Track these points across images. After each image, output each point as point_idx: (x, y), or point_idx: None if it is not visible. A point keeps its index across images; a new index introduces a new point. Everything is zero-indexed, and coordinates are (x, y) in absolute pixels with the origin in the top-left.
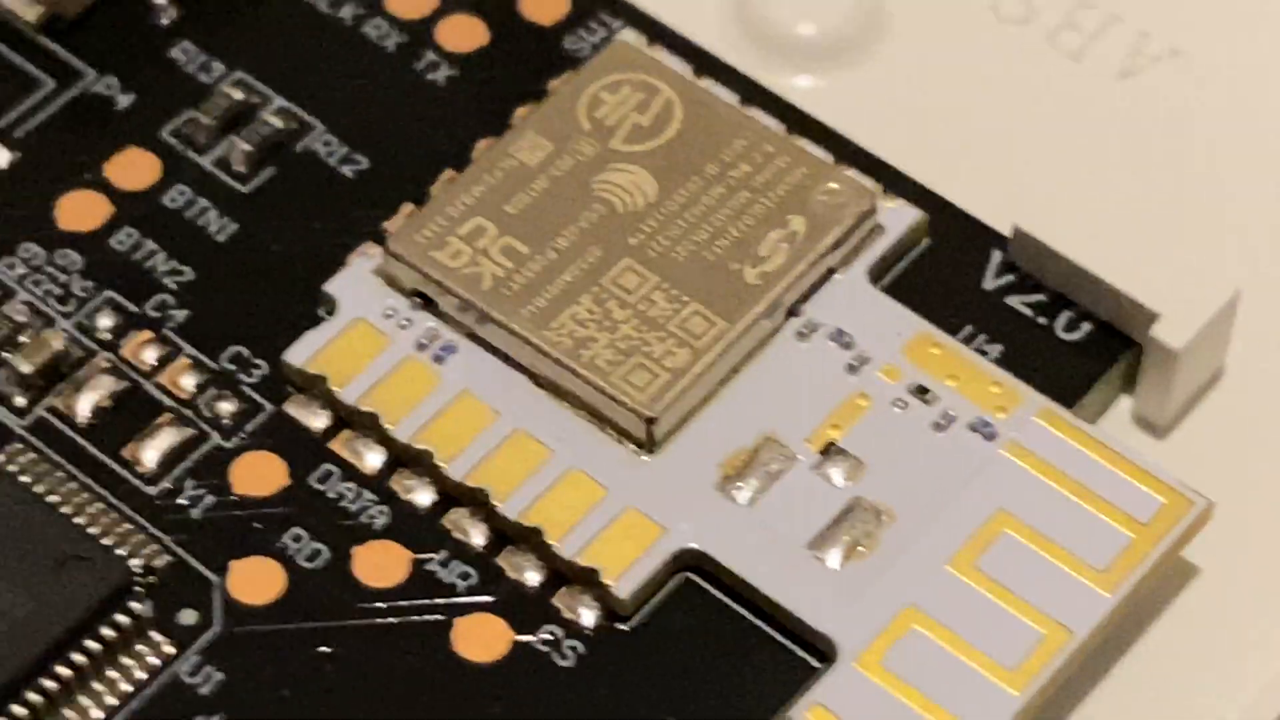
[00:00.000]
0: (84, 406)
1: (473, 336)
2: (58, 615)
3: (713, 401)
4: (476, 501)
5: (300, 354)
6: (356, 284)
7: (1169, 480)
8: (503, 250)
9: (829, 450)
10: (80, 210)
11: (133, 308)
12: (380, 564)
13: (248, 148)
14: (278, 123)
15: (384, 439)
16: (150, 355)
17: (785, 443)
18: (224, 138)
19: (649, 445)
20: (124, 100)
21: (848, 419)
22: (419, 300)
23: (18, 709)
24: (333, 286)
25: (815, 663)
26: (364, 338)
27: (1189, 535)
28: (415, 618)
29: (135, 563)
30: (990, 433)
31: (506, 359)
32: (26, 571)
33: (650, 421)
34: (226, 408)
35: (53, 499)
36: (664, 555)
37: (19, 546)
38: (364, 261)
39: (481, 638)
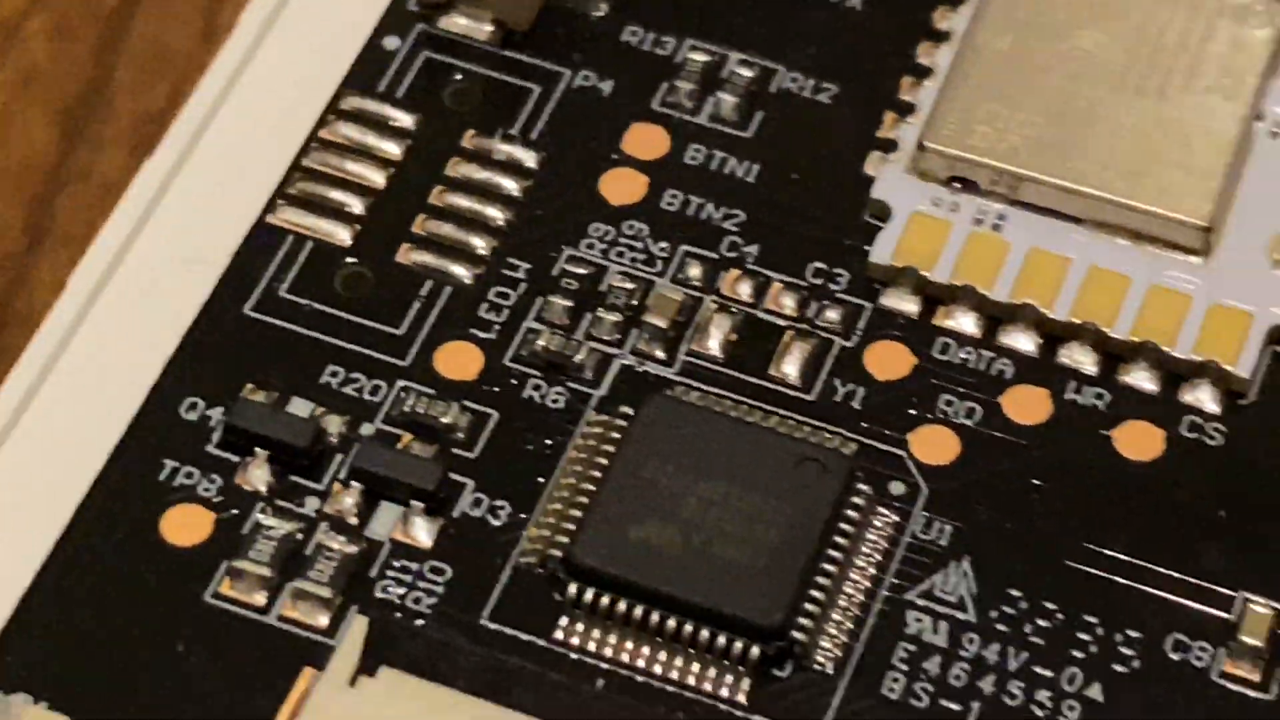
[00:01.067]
0: (714, 344)
1: (1015, 203)
2: (817, 510)
3: (1237, 202)
4: (1082, 335)
5: (883, 253)
6: (897, 185)
7: None
8: (1020, 123)
9: None
10: (622, 185)
11: (711, 254)
12: (1027, 404)
13: (733, 99)
14: (745, 72)
15: (979, 304)
16: (745, 289)
17: None
18: (707, 97)
19: (1206, 250)
20: (606, 87)
21: None
22: (957, 185)
23: (813, 594)
24: (880, 192)
25: None
26: (926, 227)
27: None
28: (1073, 436)
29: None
30: None
31: (1054, 213)
32: (771, 482)
33: (1208, 229)
34: (833, 315)
35: (753, 423)
36: (1261, 333)
37: (755, 465)
38: (891, 167)
39: (1137, 439)
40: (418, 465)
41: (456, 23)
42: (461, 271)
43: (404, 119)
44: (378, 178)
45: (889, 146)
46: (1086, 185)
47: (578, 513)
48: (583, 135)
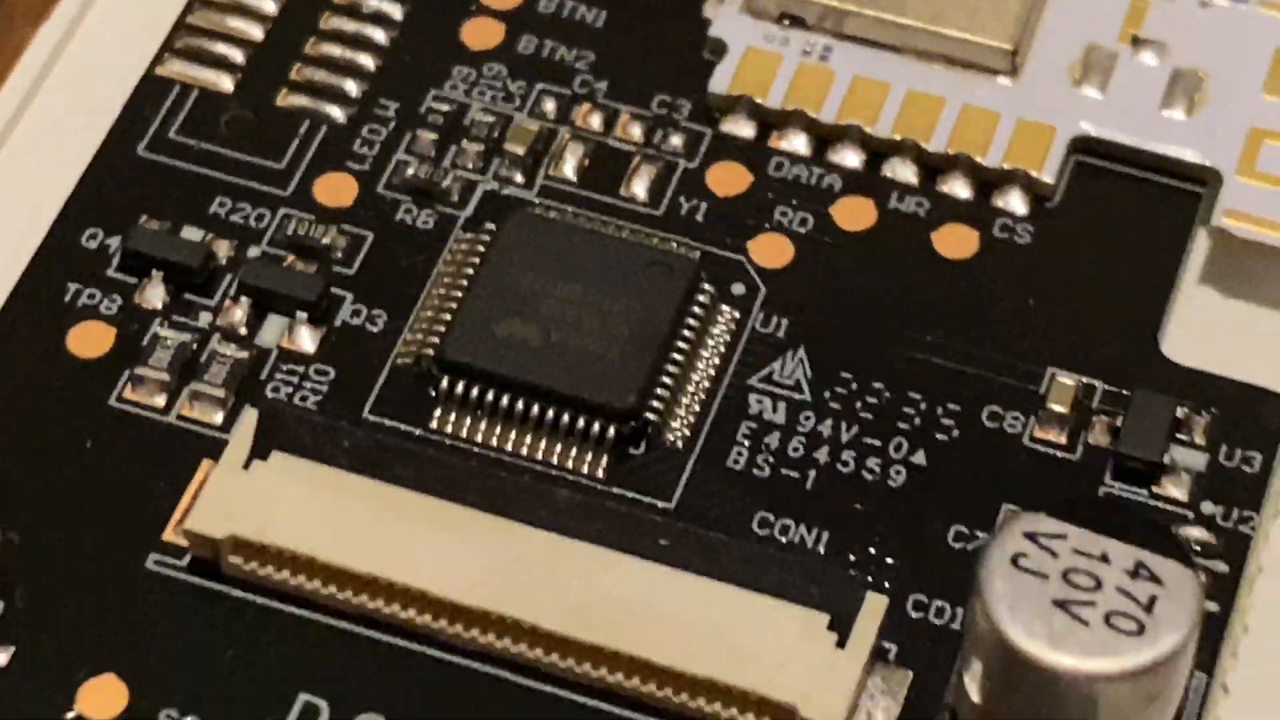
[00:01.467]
0: (570, 169)
1: (839, 36)
2: (664, 306)
3: (1040, 28)
4: (902, 150)
5: (720, 83)
6: (732, 24)
7: None
8: None
9: (1136, 42)
10: (482, 33)
11: (564, 90)
12: (854, 213)
13: None
14: None
15: (809, 126)
16: (596, 120)
17: (1102, 44)
18: None
19: (1012, 71)
20: None
21: (1138, 18)
22: (787, 21)
23: (664, 380)
24: (717, 30)
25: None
26: (760, 60)
27: None
28: (896, 239)
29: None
30: None
31: (875, 43)
32: (623, 284)
33: (1013, 52)
34: (676, 141)
35: (606, 233)
36: (1064, 143)
37: (608, 269)
38: (727, 8)
39: (955, 240)
40: (300, 279)
41: None
42: (336, 111)
43: None
44: (256, 31)
45: None
46: (902, 16)
47: (448, 316)
48: None
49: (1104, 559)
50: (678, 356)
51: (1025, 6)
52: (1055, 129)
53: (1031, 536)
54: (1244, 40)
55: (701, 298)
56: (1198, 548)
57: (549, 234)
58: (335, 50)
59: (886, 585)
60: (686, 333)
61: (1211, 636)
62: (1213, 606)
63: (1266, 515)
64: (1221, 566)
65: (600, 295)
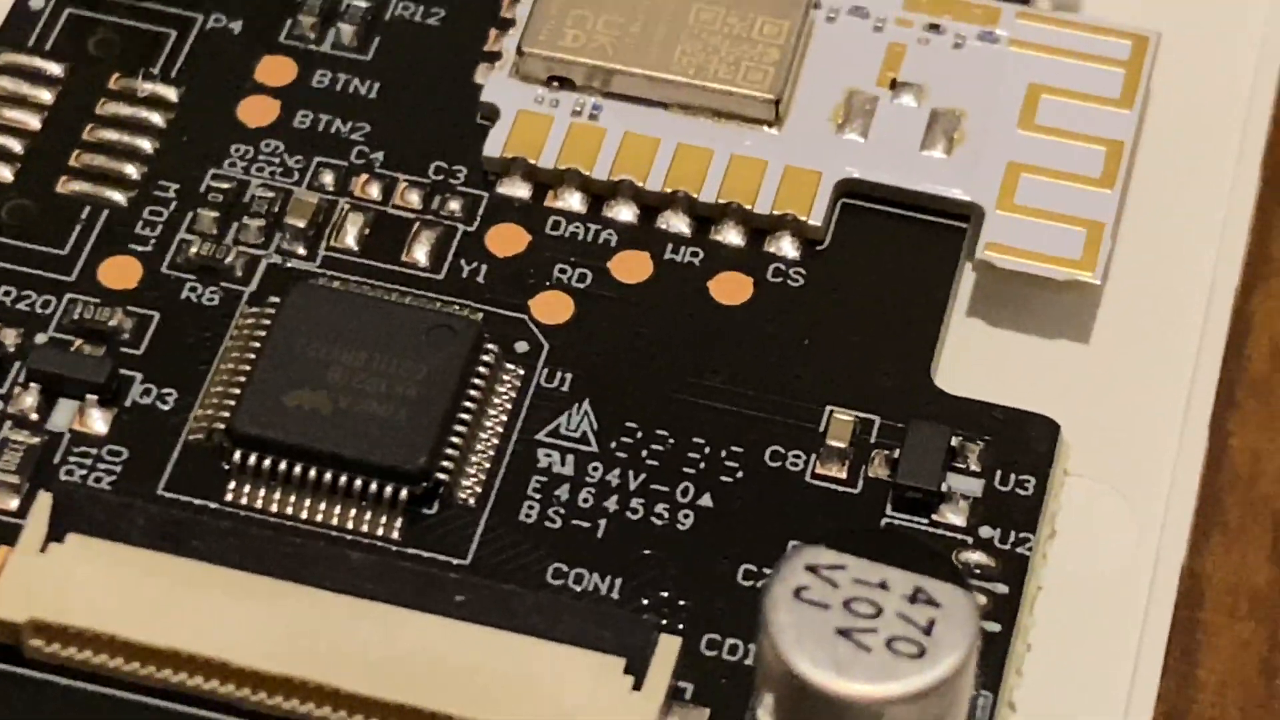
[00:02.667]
0: (351, 238)
1: (607, 95)
2: (449, 368)
3: (801, 78)
4: (675, 203)
5: (494, 147)
6: (503, 88)
7: (1131, 29)
8: (605, 25)
9: (895, 85)
10: (257, 110)
11: (341, 162)
12: (631, 266)
13: (351, 28)
14: (361, 3)
15: (583, 184)
16: (375, 190)
17: (864, 89)
18: (328, 27)
19: (777, 121)
20: (236, 26)
21: (896, 61)
22: (556, 83)
23: (453, 440)
24: (488, 95)
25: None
26: (531, 122)
27: (1154, 62)
28: (673, 289)
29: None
30: (994, 38)
31: (643, 100)
32: (407, 348)
33: (776, 102)
34: (454, 206)
35: (389, 300)
36: (830, 187)
37: (392, 334)
38: (497, 74)
39: (730, 287)
40: (89, 362)
41: None
42: (117, 196)
43: (54, 68)
44: (33, 121)
45: (494, 58)
46: (668, 72)
47: (237, 390)
48: (218, 70)
49: (883, 586)
50: (465, 416)
51: (786, 56)
52: (821, 174)
53: (813, 569)
54: (997, 78)
55: (486, 357)
56: (978, 571)
57: (332, 303)
58: (113, 135)
59: (680, 626)
60: (473, 392)
61: (995, 656)
62: (995, 627)
63: (1042, 537)
64: (1002, 588)
65: (386, 360)
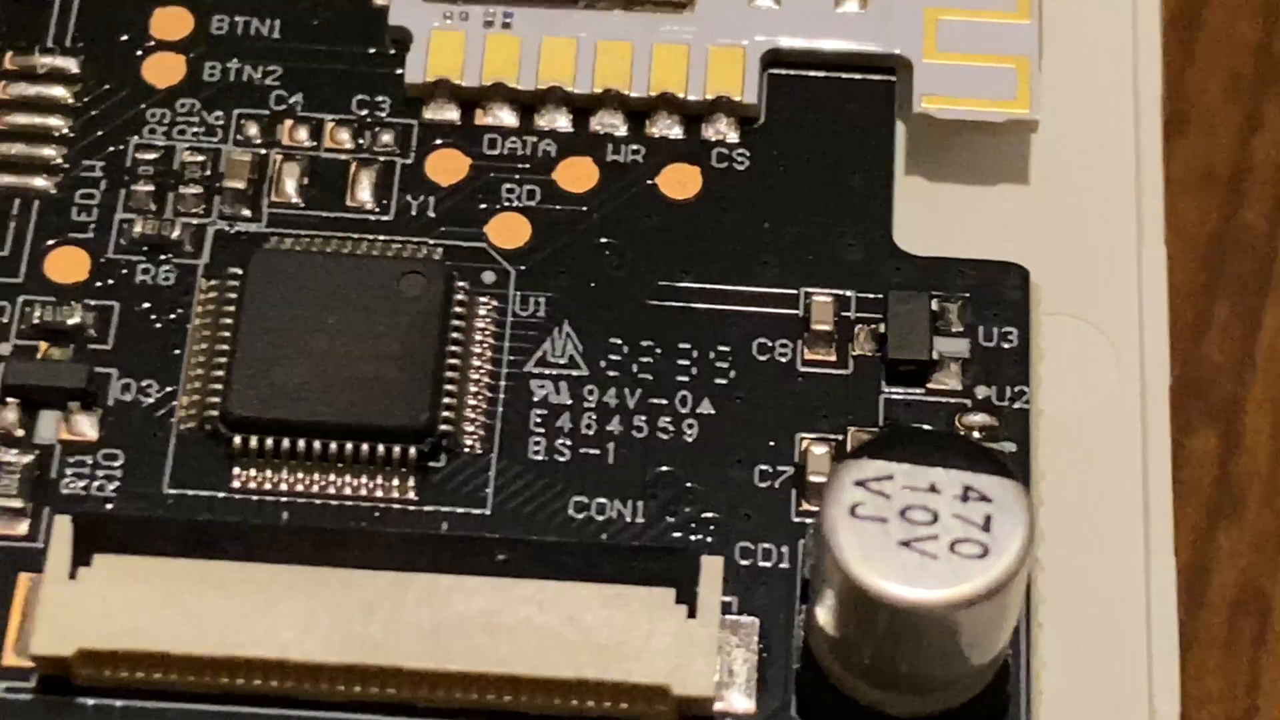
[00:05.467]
0: (291, 190)
1: (514, 1)
2: (428, 314)
3: None
4: (607, 102)
5: (415, 73)
6: (409, 9)
7: None
8: None
9: None
10: (164, 69)
11: (263, 111)
12: (576, 174)
13: None
14: None
15: (511, 97)
16: (303, 134)
17: None
18: None
19: (690, 2)
20: None
21: None
22: None
23: (448, 388)
24: (395, 19)
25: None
26: (446, 41)
27: None
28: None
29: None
30: None
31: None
32: (381, 302)
33: None
34: (387, 139)
35: (350, 253)
36: (756, 62)
37: (363, 290)
38: None
39: (678, 180)
40: (64, 369)
41: None
42: (43, 183)
43: None
44: None
45: None
46: None
47: (220, 373)
48: (112, 30)
49: (933, 489)
50: (453, 361)
51: None
52: (744, 49)
53: (861, 483)
54: None
55: (459, 295)
56: (984, 432)
57: (295, 269)
58: (22, 119)
59: (710, 540)
60: (455, 335)
61: None
62: None
63: (1035, 384)
64: (1010, 446)
65: (363, 319)
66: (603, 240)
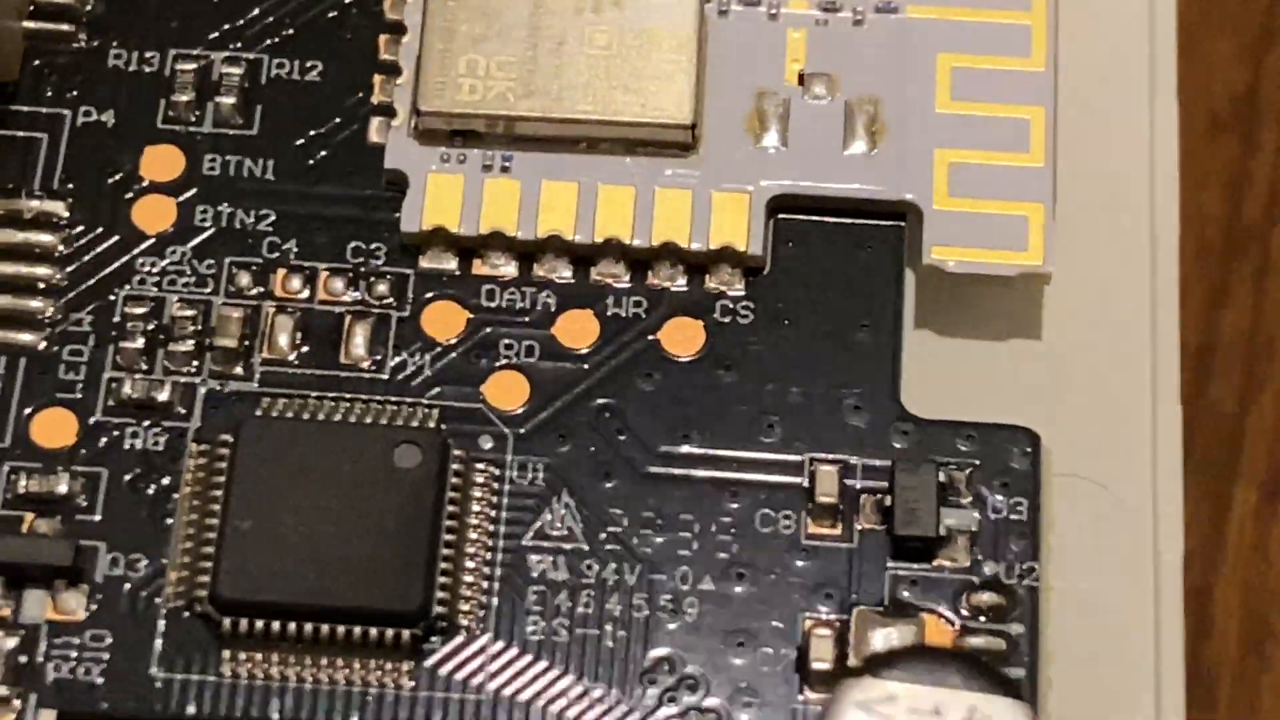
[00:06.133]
0: (284, 344)
1: (515, 141)
2: (423, 487)
3: (707, 86)
4: (609, 251)
5: (411, 220)
6: (406, 151)
7: None
8: (498, 66)
9: (803, 79)
10: (153, 213)
11: (255, 259)
12: (576, 329)
13: (230, 100)
14: (234, 70)
15: (510, 245)
16: (296, 284)
17: (772, 88)
18: (205, 103)
19: (694, 145)
20: (108, 117)
21: (799, 50)
22: (459, 138)
23: (443, 566)
24: (392, 161)
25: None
26: (443, 185)
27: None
28: (623, 347)
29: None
30: (892, 7)
31: (554, 143)
32: (375, 474)
33: (691, 127)
34: (382, 288)
35: (343, 420)
36: (761, 208)
37: (356, 462)
38: (396, 134)
39: (681, 335)
40: (49, 546)
41: None
42: (30, 338)
43: None
44: None
45: (386, 111)
46: (574, 112)
47: (209, 549)
48: (100, 171)
49: (937, 712)
50: (449, 537)
51: (693, 72)
52: (749, 194)
53: (864, 706)
54: (904, 52)
55: (455, 465)
56: (991, 613)
57: (286, 438)
58: (9, 268)
59: None
60: (451, 508)
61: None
62: (1019, 672)
63: (1044, 558)
64: (1018, 628)
65: (357, 493)
66: (602, 401)
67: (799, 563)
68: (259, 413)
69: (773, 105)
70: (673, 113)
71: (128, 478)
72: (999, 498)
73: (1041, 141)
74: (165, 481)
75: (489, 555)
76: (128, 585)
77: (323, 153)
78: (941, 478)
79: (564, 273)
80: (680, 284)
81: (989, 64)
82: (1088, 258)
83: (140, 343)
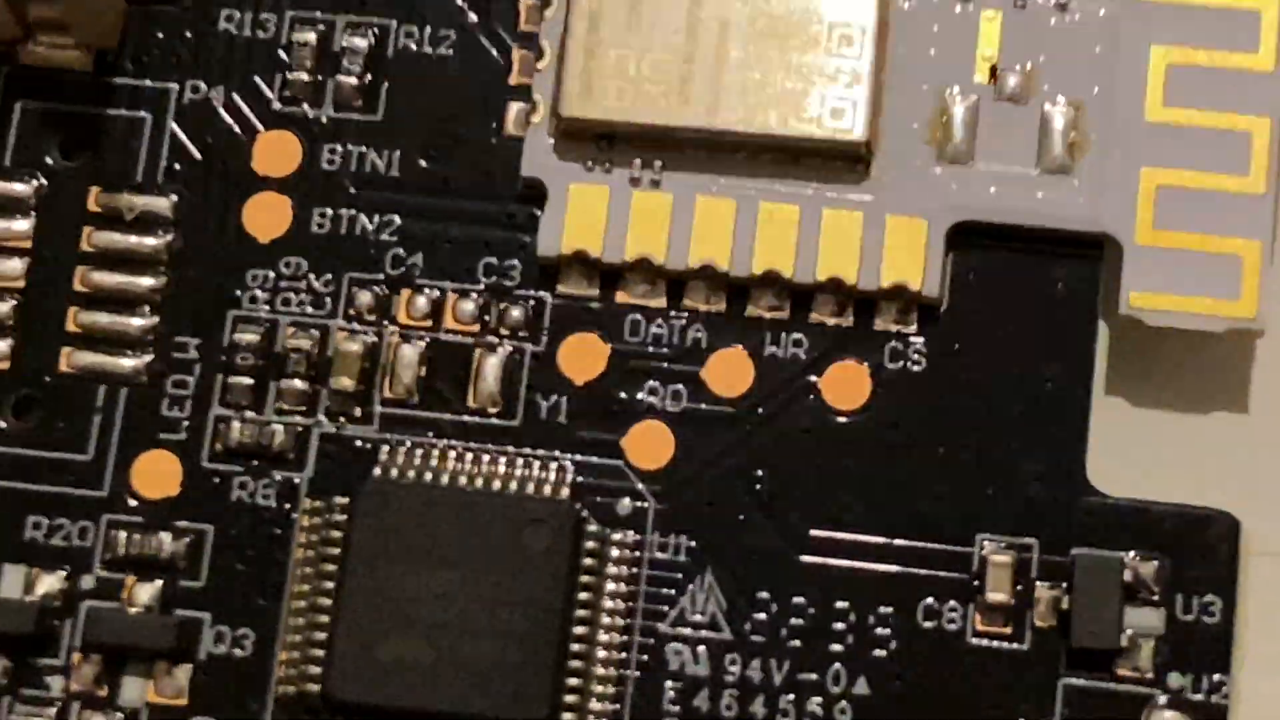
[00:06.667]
0: (408, 381)
1: (667, 154)
2: (555, 577)
3: (886, 83)
4: (766, 283)
5: (549, 243)
6: (545, 158)
7: None
8: (650, 66)
9: (995, 74)
10: (267, 215)
11: (377, 276)
12: (728, 371)
13: (353, 81)
14: (360, 41)
15: (658, 273)
16: (421, 305)
17: (959, 86)
18: (326, 81)
19: (868, 163)
20: (218, 95)
21: (991, 39)
22: (604, 142)
23: (573, 664)
24: (530, 169)
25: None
26: (584, 200)
27: None
28: (781, 394)
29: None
30: None
31: (710, 157)
32: (502, 556)
33: (866, 144)
34: (516, 314)
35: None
36: (940, 238)
37: (482, 540)
38: (536, 135)
39: (844, 383)
40: (152, 626)
41: (37, 54)
42: (131, 364)
43: (19, 188)
44: (14, 267)
45: (523, 94)
46: (733, 123)
47: (322, 634)
48: (212, 162)
49: None
50: (580, 630)
51: (871, 79)
52: (927, 223)
53: None
54: (1114, 44)
55: (589, 544)
56: None
57: (408, 508)
58: (109, 278)
59: None
60: (583, 595)
61: None
62: None
63: (1238, 670)
64: None
65: (481, 580)
66: (756, 461)
67: (964, 666)
68: (378, 472)
69: (959, 110)
70: (847, 124)
71: (234, 536)
72: (1190, 598)
73: (1264, 161)
74: (274, 539)
75: (621, 645)
76: (234, 664)
77: (454, 147)
78: (1127, 578)
79: (715, 304)
80: (844, 322)
81: (1217, 63)
82: None
83: (250, 379)
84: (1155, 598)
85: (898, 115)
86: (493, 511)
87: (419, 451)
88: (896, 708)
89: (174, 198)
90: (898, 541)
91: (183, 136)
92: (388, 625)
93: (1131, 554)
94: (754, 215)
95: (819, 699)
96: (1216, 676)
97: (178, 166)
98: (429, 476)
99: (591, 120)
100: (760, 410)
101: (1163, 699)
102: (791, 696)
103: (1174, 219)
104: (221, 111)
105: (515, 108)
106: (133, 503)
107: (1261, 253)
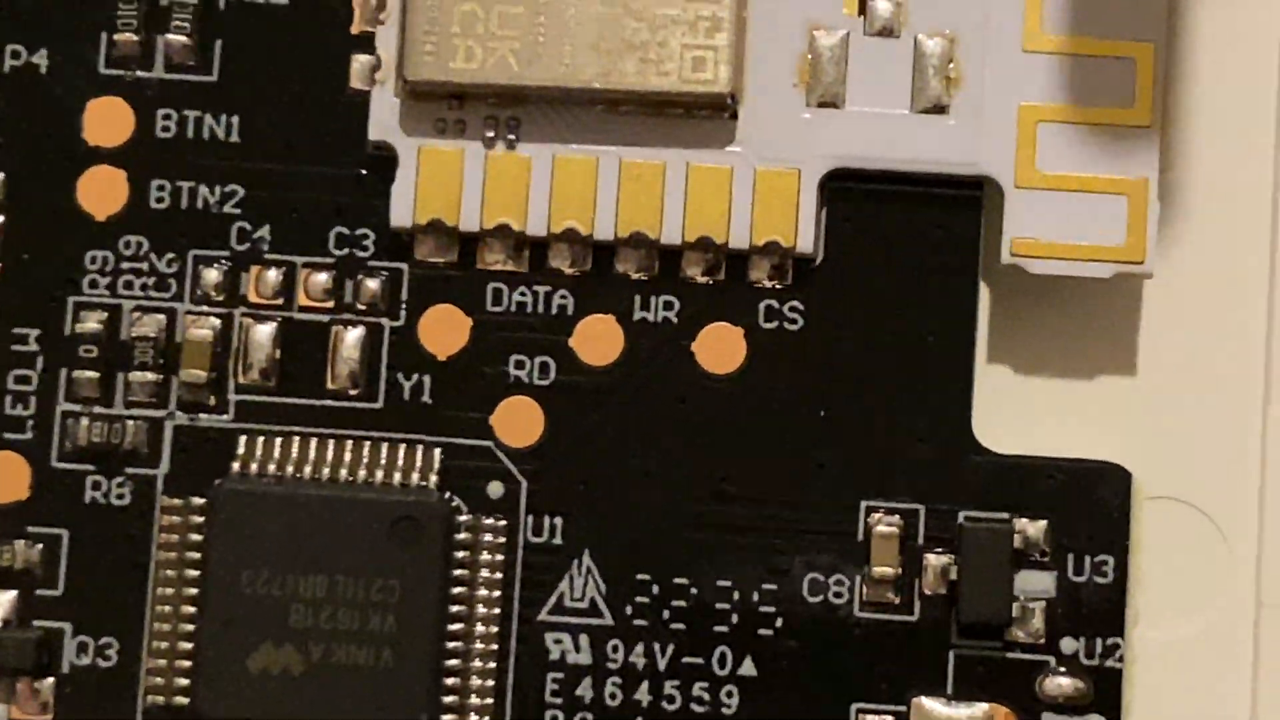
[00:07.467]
0: (262, 362)
1: (519, 112)
2: (427, 577)
3: (750, 20)
4: (633, 244)
5: (402, 212)
6: (393, 119)
7: None
8: (499, 20)
9: (864, 7)
10: (103, 189)
11: (223, 252)
12: (597, 340)
13: (183, 39)
14: None
15: (519, 239)
16: (272, 279)
17: (827, 21)
18: (155, 39)
19: (734, 112)
20: (40, 59)
21: None
22: (455, 101)
23: (449, 663)
24: (378, 133)
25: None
26: (437, 165)
27: None
28: (654, 362)
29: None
30: None
31: (566, 113)
32: (371, 558)
33: (731, 95)
34: (372, 286)
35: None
36: (813, 187)
37: (349, 541)
38: (382, 94)
39: (718, 345)
40: (13, 645)
41: None
42: None
43: None
44: None
45: (368, 44)
46: (591, 80)
47: (188, 644)
48: (39, 135)
49: None
50: (455, 627)
51: (734, 27)
52: (799, 171)
53: None
54: None
55: (461, 535)
56: (1066, 702)
57: (269, 512)
58: None
59: None
60: (457, 590)
61: None
62: None
63: (1131, 630)
64: (1097, 718)
65: (350, 582)
66: (628, 434)
67: (854, 642)
68: (235, 468)
69: (827, 48)
70: (711, 76)
71: (91, 540)
72: (1083, 556)
73: (1148, 91)
74: (134, 545)
75: (499, 633)
76: (98, 675)
77: (296, 110)
78: (1018, 543)
79: (580, 268)
80: (715, 280)
81: None
82: (1195, 250)
83: (95, 372)
84: (1046, 559)
85: (763, 59)
86: (359, 511)
87: (278, 441)
88: (784, 692)
89: (2, 172)
90: (781, 513)
91: (9, 101)
92: (255, 634)
93: (1021, 516)
94: (616, 174)
95: (704, 683)
96: (1110, 640)
97: (5, 144)
98: (290, 470)
99: (439, 82)
100: (631, 379)
101: (1056, 665)
102: (676, 682)
103: (1055, 158)
104: (45, 71)
105: (360, 59)
106: None
107: (1149, 190)
